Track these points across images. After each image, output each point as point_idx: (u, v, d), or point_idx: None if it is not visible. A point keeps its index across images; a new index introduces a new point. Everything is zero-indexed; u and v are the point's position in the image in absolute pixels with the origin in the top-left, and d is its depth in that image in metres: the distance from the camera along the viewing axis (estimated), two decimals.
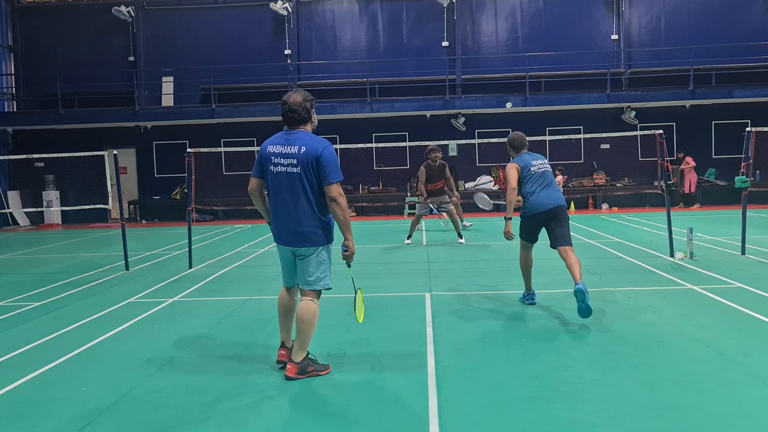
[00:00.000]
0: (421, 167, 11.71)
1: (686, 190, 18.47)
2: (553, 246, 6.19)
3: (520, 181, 6.30)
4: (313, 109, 4.50)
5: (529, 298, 6.59)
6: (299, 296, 4.60)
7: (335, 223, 4.47)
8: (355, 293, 4.74)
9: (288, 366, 4.42)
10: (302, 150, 4.28)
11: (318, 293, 4.48)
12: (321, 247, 4.42)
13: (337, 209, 4.32)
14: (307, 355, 4.48)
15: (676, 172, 18.66)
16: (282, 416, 3.86)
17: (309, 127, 4.48)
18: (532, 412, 3.76)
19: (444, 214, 12.30)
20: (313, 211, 4.35)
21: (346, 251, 4.48)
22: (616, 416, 3.67)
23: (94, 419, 3.85)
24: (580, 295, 5.56)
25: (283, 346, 4.68)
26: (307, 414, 3.88)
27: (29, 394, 4.32)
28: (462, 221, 12.86)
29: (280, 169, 4.33)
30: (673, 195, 18.05)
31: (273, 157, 4.36)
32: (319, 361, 4.63)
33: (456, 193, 12.19)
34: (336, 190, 4.31)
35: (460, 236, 11.88)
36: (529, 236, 6.47)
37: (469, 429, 3.58)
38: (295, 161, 4.28)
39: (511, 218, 6.32)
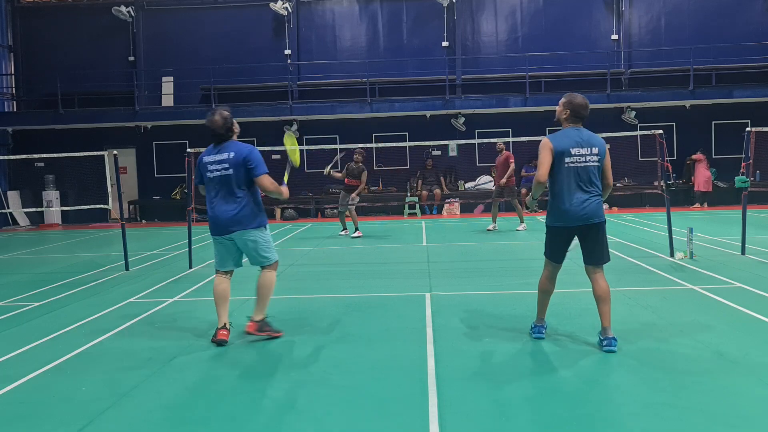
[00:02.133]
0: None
1: (698, 188, 18.40)
2: (584, 261, 5.07)
3: (551, 172, 4.83)
4: (233, 122, 5.42)
5: (537, 330, 5.28)
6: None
7: (263, 211, 5.49)
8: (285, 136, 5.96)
9: (249, 323, 5.45)
10: (231, 155, 5.27)
11: (275, 265, 5.52)
12: (258, 229, 5.37)
13: (271, 194, 5.47)
14: (264, 317, 5.46)
15: (685, 169, 18.71)
16: (282, 416, 3.86)
17: (234, 138, 5.45)
18: (532, 412, 3.76)
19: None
20: (246, 203, 5.31)
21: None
22: (616, 416, 3.67)
23: (94, 419, 3.85)
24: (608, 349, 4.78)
25: (224, 327, 5.38)
26: (306, 414, 3.88)
27: (29, 394, 4.32)
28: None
29: (215, 174, 5.30)
30: (678, 194, 18.09)
31: (209, 165, 5.34)
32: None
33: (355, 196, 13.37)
34: (266, 180, 5.33)
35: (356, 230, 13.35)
36: (554, 252, 5.05)
37: (469, 429, 3.58)
38: (227, 165, 5.26)
39: (536, 200, 5.17)
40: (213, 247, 5.60)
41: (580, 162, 4.77)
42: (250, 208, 5.33)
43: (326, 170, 13.40)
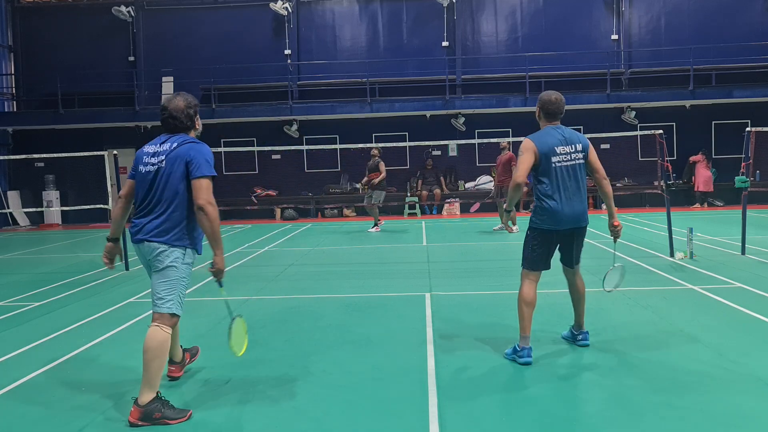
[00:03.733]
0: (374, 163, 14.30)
1: (698, 188, 18.39)
2: (563, 262, 4.98)
3: (535, 173, 4.65)
4: (197, 116, 4.10)
5: (525, 354, 4.56)
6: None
7: (198, 233, 4.00)
8: (232, 321, 4.13)
9: (132, 409, 3.76)
10: (173, 146, 3.91)
11: (168, 318, 3.86)
12: (174, 251, 3.86)
13: (203, 220, 3.82)
14: (158, 395, 3.80)
15: (686, 169, 18.71)
16: (282, 416, 3.86)
17: (192, 134, 4.07)
18: (532, 412, 3.76)
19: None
20: (173, 212, 3.87)
21: (213, 268, 3.94)
22: (616, 416, 3.67)
23: (94, 419, 3.85)
24: (584, 342, 5.01)
25: (171, 362, 4.44)
26: (306, 414, 3.88)
27: (29, 394, 4.32)
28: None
29: (148, 168, 3.91)
30: (678, 194, 18.08)
31: (145, 157, 3.97)
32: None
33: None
34: (204, 194, 3.79)
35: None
36: (537, 260, 4.71)
37: (469, 429, 3.58)
38: (163, 158, 3.89)
39: (512, 210, 5.24)
40: None
41: (566, 161, 4.60)
42: (179, 220, 3.88)
43: (362, 188, 14.53)
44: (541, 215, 4.63)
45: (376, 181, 14.19)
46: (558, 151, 4.58)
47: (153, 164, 3.92)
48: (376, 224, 14.28)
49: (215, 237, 3.85)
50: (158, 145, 3.99)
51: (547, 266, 4.79)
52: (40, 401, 4.19)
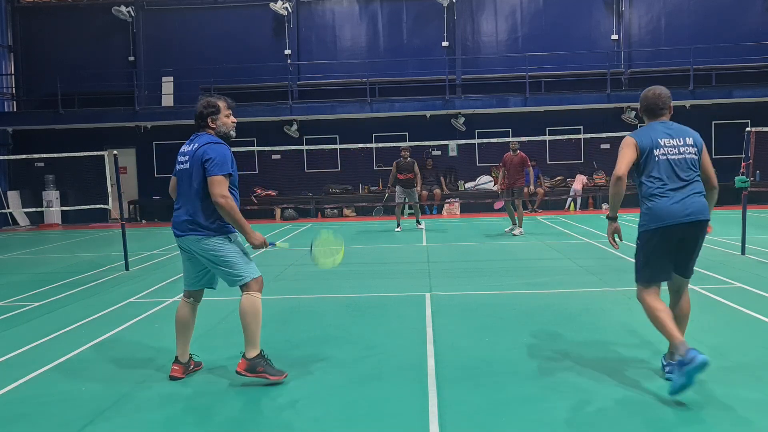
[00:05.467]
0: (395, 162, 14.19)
1: None
2: (675, 270, 4.30)
3: (638, 172, 4.27)
4: (213, 117, 4.47)
5: (691, 354, 3.67)
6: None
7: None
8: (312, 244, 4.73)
9: (240, 360, 4.36)
10: (195, 146, 4.40)
11: (247, 286, 4.37)
12: (214, 239, 4.32)
13: (224, 214, 4.26)
14: (261, 352, 4.38)
15: None
16: (282, 416, 3.86)
17: (212, 133, 4.50)
18: (532, 412, 3.76)
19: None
20: (204, 206, 4.34)
21: (253, 247, 4.45)
22: (616, 416, 3.67)
23: (94, 419, 3.85)
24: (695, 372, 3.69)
25: (177, 361, 4.57)
26: (306, 414, 3.88)
27: (29, 394, 4.32)
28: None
29: (181, 167, 4.49)
30: None
31: (179, 156, 4.54)
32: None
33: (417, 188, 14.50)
34: (217, 190, 4.21)
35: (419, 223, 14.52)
36: (656, 269, 4.26)
37: (469, 429, 3.58)
38: (188, 158, 4.42)
39: (615, 217, 4.60)
40: None
41: (673, 153, 4.15)
42: (209, 213, 4.34)
43: (387, 194, 14.77)
44: (649, 215, 4.22)
45: (418, 186, 14.37)
46: (662, 144, 4.19)
47: (182, 163, 4.47)
48: (399, 224, 14.37)
49: (237, 224, 4.30)
50: (188, 144, 4.51)
51: (669, 276, 4.25)
52: (40, 401, 4.19)
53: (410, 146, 14.10)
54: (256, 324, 4.33)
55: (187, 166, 4.40)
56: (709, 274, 7.78)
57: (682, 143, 4.19)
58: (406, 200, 14.40)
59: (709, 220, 4.21)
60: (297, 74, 20.30)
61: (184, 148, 4.51)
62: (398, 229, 14.11)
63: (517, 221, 13.02)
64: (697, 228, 4.15)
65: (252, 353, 4.33)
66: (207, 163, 4.26)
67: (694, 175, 4.16)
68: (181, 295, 4.67)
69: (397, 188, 14.18)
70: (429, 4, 19.90)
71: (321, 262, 4.82)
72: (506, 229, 13.25)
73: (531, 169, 13.09)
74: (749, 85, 18.59)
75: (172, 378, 4.50)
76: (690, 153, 4.17)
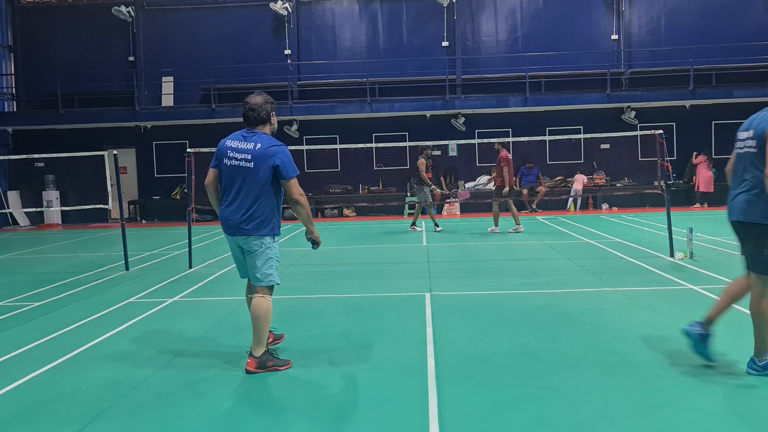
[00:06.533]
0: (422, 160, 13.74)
1: (700, 189, 18.35)
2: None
3: (760, 159, 3.95)
4: (274, 113, 4.76)
5: None
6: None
7: (279, 219, 4.70)
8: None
9: (248, 360, 4.59)
10: (257, 147, 4.52)
11: (269, 289, 4.64)
12: (265, 239, 4.56)
13: (300, 210, 4.59)
14: (267, 349, 4.66)
15: (687, 170, 18.67)
16: (283, 416, 3.86)
17: (268, 129, 4.71)
18: (532, 412, 3.76)
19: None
20: (260, 205, 4.53)
21: (313, 242, 4.80)
22: (616, 416, 3.67)
23: (94, 419, 3.85)
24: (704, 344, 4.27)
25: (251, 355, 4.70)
26: (307, 414, 3.88)
27: (29, 394, 4.32)
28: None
29: (233, 162, 4.55)
30: (678, 194, 18.07)
31: (229, 152, 4.60)
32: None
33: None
34: (296, 190, 4.54)
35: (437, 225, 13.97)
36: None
37: (469, 429, 3.58)
38: (249, 156, 4.51)
39: None
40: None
41: (739, 147, 4.07)
42: (262, 213, 4.54)
43: (437, 190, 14.58)
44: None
45: (438, 190, 14.55)
46: (738, 137, 4.13)
47: (238, 160, 4.53)
48: (414, 224, 14.25)
49: (309, 221, 4.68)
50: (241, 140, 4.59)
51: None
52: (40, 401, 4.19)
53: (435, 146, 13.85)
54: (267, 325, 4.62)
55: (251, 165, 4.50)
56: (709, 274, 7.78)
57: (745, 137, 4.05)
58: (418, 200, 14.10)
59: (751, 223, 4.13)
60: (297, 74, 20.30)
61: (239, 145, 4.57)
62: (439, 229, 13.76)
63: (496, 220, 13.35)
64: (740, 227, 4.22)
65: (260, 351, 4.58)
66: (280, 167, 4.48)
67: (744, 170, 4.08)
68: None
69: (425, 188, 13.86)
70: (429, 4, 19.89)
71: None
72: (489, 229, 13.42)
73: (505, 168, 12.85)
74: (749, 85, 18.58)
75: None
76: (750, 146, 4.04)
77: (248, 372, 4.53)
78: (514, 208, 13.29)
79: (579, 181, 18.64)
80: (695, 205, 18.40)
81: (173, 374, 4.66)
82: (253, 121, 4.66)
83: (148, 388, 4.37)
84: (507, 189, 12.86)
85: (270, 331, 4.94)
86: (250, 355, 4.59)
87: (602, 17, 19.97)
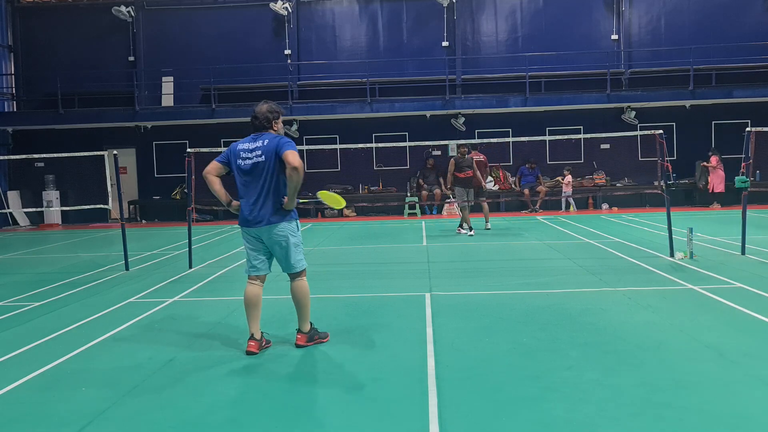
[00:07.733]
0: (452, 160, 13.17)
1: (711, 190, 18.20)
2: None
3: None
4: (278, 120, 5.16)
5: None
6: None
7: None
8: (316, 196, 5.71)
9: (297, 336, 5.19)
10: (266, 142, 4.98)
11: (303, 272, 5.19)
12: (291, 223, 5.01)
13: (294, 176, 4.84)
14: (311, 324, 5.24)
15: (701, 173, 18.52)
16: (283, 418, 3.86)
17: (273, 133, 5.12)
18: (532, 412, 3.76)
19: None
20: (277, 193, 4.95)
21: (285, 204, 5.00)
22: (616, 416, 3.67)
23: (94, 419, 3.85)
24: None
25: (252, 337, 5.08)
26: (306, 414, 3.88)
27: (29, 394, 4.32)
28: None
29: (248, 162, 4.99)
30: (678, 194, 18.00)
31: (242, 153, 5.04)
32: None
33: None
34: (295, 159, 4.82)
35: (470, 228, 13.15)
36: None
37: (469, 429, 3.58)
38: (260, 152, 4.95)
39: None
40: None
41: None
42: (279, 199, 4.96)
43: (450, 192, 13.45)
44: None
45: (483, 180, 13.53)
46: None
47: (251, 158, 4.97)
48: (461, 225, 13.43)
49: (295, 192, 4.93)
50: (252, 141, 5.04)
51: None
52: (40, 401, 4.19)
53: (466, 143, 13.10)
54: (308, 302, 5.18)
55: (262, 159, 4.92)
56: (709, 274, 7.78)
57: None
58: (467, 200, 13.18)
59: None
60: (297, 74, 20.29)
61: (249, 146, 5.02)
62: (471, 233, 12.85)
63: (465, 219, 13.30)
64: None
65: (307, 326, 5.20)
66: (279, 146, 4.89)
67: None
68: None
69: (457, 189, 12.97)
70: (429, 4, 19.89)
71: (326, 196, 5.70)
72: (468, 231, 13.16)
73: (474, 171, 12.81)
74: (749, 85, 18.58)
75: (250, 353, 4.98)
76: None
77: (298, 346, 5.11)
78: (466, 213, 13.24)
79: (566, 183, 18.56)
80: (713, 204, 18.07)
81: (173, 374, 4.66)
82: (257, 128, 5.12)
83: (148, 388, 4.37)
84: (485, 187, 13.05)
85: (263, 333, 5.24)
86: (299, 331, 5.18)
87: (602, 17, 19.97)
